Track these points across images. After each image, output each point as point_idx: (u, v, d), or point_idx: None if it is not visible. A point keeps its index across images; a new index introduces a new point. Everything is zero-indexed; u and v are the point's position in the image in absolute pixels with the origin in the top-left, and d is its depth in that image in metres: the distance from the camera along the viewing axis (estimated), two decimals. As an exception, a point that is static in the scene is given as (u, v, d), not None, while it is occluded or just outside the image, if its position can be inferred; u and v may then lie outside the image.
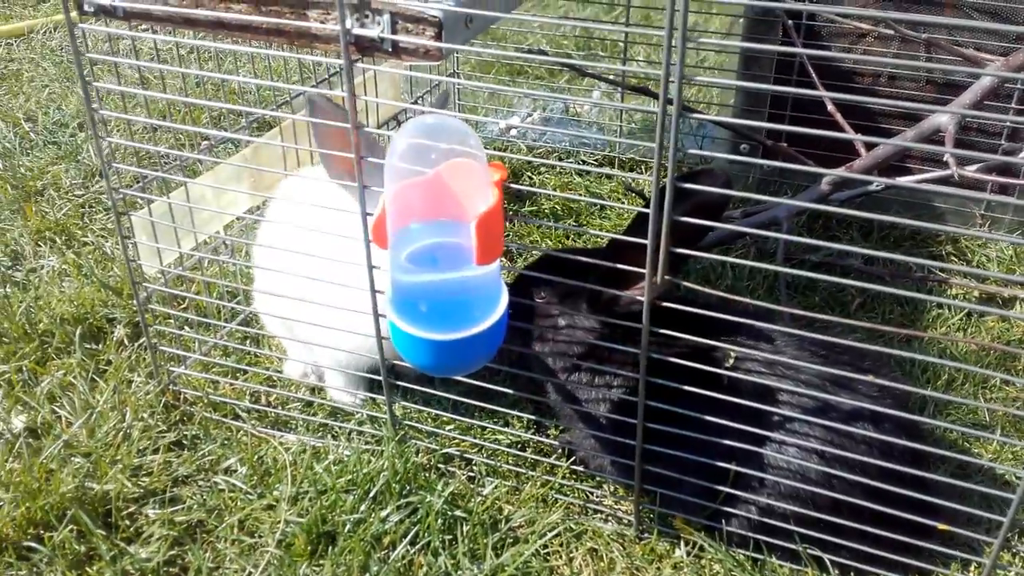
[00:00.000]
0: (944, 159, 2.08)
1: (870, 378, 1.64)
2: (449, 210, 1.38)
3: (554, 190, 2.97)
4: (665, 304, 1.47)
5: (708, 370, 1.57)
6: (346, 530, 1.70)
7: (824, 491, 1.58)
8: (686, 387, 1.54)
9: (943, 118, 2.09)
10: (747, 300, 1.43)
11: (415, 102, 3.10)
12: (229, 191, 2.11)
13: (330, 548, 1.68)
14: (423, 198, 1.38)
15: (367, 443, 1.93)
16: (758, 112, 2.79)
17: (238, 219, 2.37)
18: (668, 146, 1.32)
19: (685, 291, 1.53)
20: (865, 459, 1.56)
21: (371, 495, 1.76)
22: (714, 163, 2.75)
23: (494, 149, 3.22)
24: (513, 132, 3.30)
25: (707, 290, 1.49)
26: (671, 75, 1.25)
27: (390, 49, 1.39)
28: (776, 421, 1.62)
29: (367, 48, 1.41)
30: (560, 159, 3.20)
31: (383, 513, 1.73)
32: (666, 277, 1.43)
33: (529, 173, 3.10)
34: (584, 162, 3.17)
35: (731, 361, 1.67)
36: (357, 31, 1.39)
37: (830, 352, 1.69)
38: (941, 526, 1.51)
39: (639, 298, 1.48)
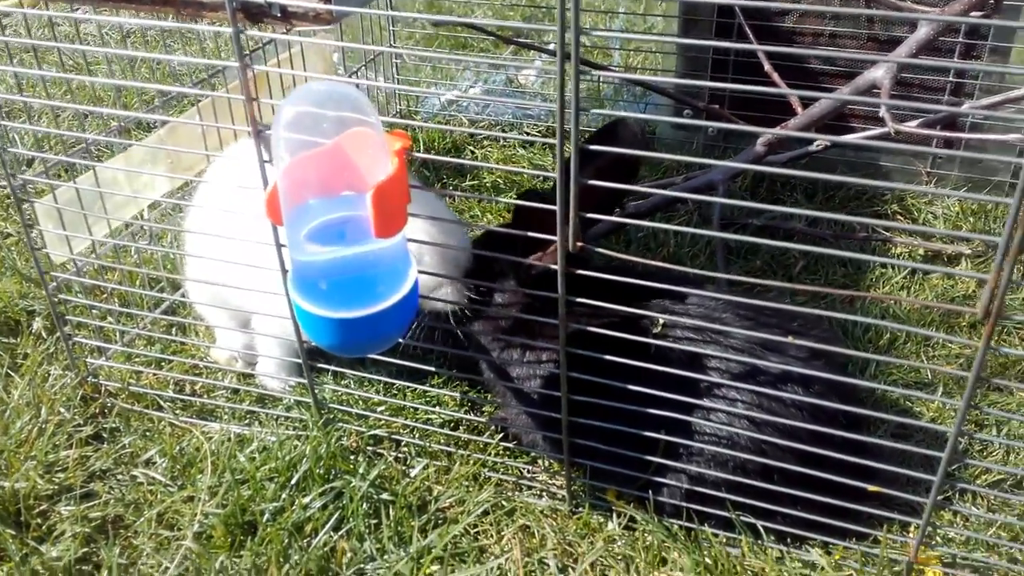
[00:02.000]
0: (880, 115, 2.03)
1: (799, 340, 1.59)
2: (352, 183, 1.31)
3: (497, 163, 2.90)
4: (582, 272, 1.41)
5: (634, 339, 1.52)
6: (265, 519, 1.63)
7: (754, 457, 1.54)
8: (610, 357, 1.49)
9: (878, 72, 2.04)
10: (682, 268, 1.38)
11: (352, 75, 3.02)
12: (144, 174, 2.03)
13: (250, 539, 1.62)
14: (322, 171, 1.31)
15: (295, 429, 1.87)
16: (699, 76, 2.73)
17: (157, 203, 2.28)
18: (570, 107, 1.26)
19: (619, 260, 1.47)
20: (795, 423, 1.52)
21: (293, 482, 1.70)
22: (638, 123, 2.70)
23: (436, 123, 3.14)
24: (455, 105, 3.22)
25: (630, 258, 1.42)
26: (567, 29, 1.19)
27: (279, 15, 1.32)
28: (704, 388, 1.57)
29: (256, 15, 1.34)
30: (503, 131, 3.13)
31: (305, 500, 1.67)
32: (579, 244, 1.37)
33: (472, 147, 3.03)
34: (528, 134, 3.11)
35: (659, 328, 1.62)
36: (242, -4, 1.32)
37: (758, 315, 1.65)
38: (872, 488, 1.47)
39: (552, 267, 1.42)
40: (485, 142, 3.04)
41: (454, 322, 1.78)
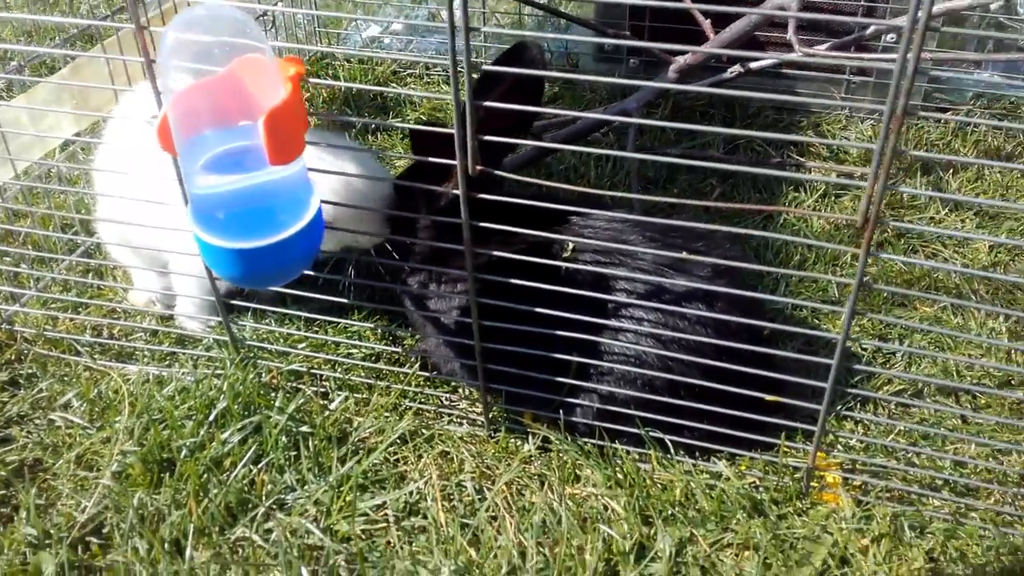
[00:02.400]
0: (788, 40, 2.05)
1: (702, 258, 1.62)
2: (248, 111, 1.30)
3: (420, 101, 2.88)
4: (484, 196, 1.42)
5: (541, 262, 1.54)
6: (183, 456, 1.64)
7: (661, 374, 1.58)
8: (517, 282, 1.51)
9: (784, -2, 2.06)
10: (591, 191, 1.40)
11: (262, 16, 2.96)
12: (48, 113, 1.98)
13: (169, 475, 1.63)
14: (215, 100, 1.29)
15: (214, 369, 1.87)
16: (617, 7, 2.73)
17: (67, 144, 2.23)
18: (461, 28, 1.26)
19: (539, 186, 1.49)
20: (699, 339, 1.56)
21: (211, 419, 1.71)
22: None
23: (358, 62, 3.10)
24: (377, 42, 3.18)
25: (536, 181, 1.44)
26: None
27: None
28: (611, 309, 1.60)
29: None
30: (427, 68, 3.10)
31: (224, 435, 1.68)
32: (479, 167, 1.38)
33: (395, 83, 3.00)
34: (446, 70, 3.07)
35: (569, 252, 1.65)
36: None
37: (665, 236, 1.68)
38: (770, 398, 1.53)
39: (454, 191, 1.43)
40: (408, 78, 3.02)
41: (375, 254, 1.79)
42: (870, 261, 2.04)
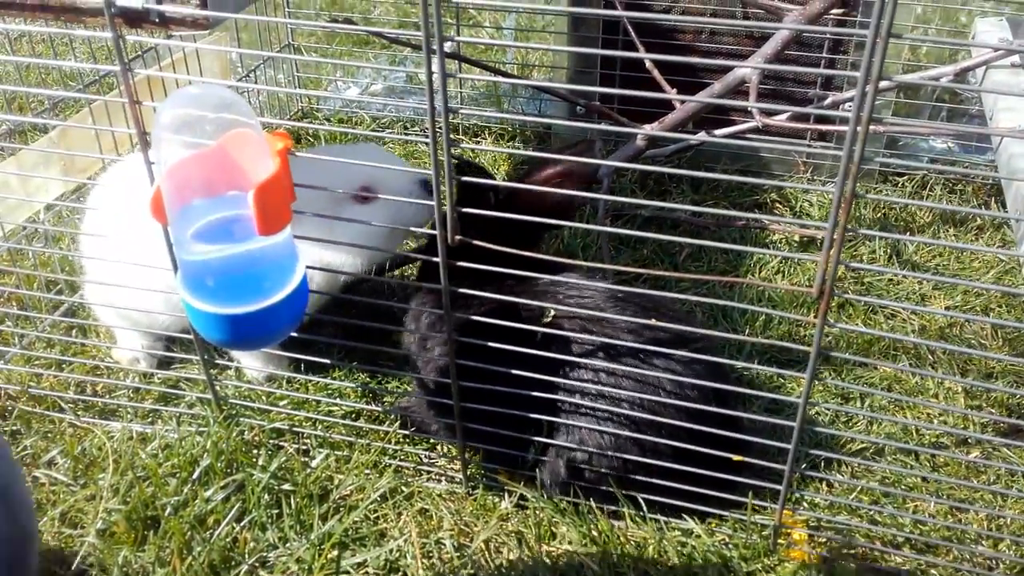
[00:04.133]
0: (749, 110, 2.16)
1: (667, 325, 1.70)
2: (236, 182, 1.37)
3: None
4: (461, 264, 1.49)
5: (517, 327, 1.61)
6: (167, 513, 1.68)
7: (632, 434, 1.64)
8: (496, 344, 1.58)
9: (746, 69, 2.17)
10: (563, 260, 1.49)
11: (250, 74, 3.04)
12: (35, 177, 2.03)
13: (153, 533, 1.66)
14: (206, 172, 1.36)
15: (197, 426, 1.91)
16: (589, 73, 2.84)
17: (52, 206, 2.28)
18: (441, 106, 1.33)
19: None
20: (668, 401, 1.63)
21: (195, 476, 1.74)
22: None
23: (338, 122, 3.18)
24: (355, 104, 3.27)
25: (509, 250, 1.51)
26: (431, 31, 1.26)
27: (157, 20, 1.36)
28: (586, 372, 1.67)
29: (135, 20, 1.38)
30: (406, 128, 3.19)
31: (207, 493, 1.71)
32: (457, 237, 1.45)
33: (375, 143, 3.08)
34: (425, 131, 3.16)
35: (550, 317, 1.71)
36: (121, 3, 1.36)
37: (636, 303, 1.75)
38: (736, 457, 1.59)
39: (434, 259, 1.50)
40: (388, 140, 3.10)
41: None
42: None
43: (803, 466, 1.81)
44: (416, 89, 3.33)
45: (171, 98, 1.31)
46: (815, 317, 1.30)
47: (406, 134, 3.10)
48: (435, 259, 1.48)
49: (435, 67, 1.28)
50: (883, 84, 2.07)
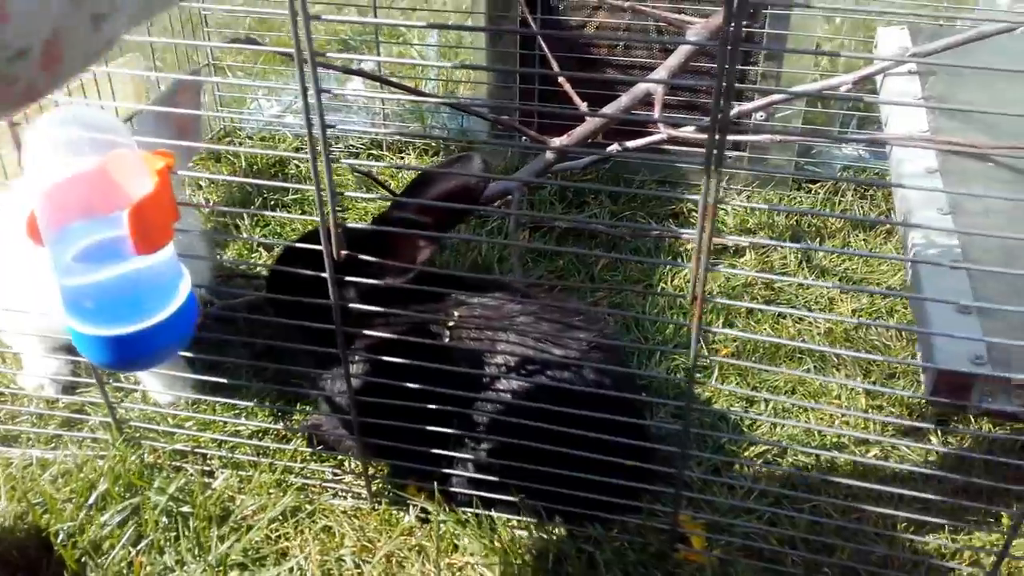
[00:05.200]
0: (655, 123, 2.20)
1: (582, 335, 1.72)
2: (116, 202, 1.36)
3: (321, 175, 2.94)
4: (348, 279, 1.50)
5: (416, 341, 1.62)
6: (60, 540, 1.65)
7: (535, 444, 1.65)
8: (390, 359, 1.58)
9: (661, 74, 2.21)
10: (470, 274, 1.51)
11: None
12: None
13: (45, 560, 1.64)
14: (85, 193, 1.35)
15: (100, 450, 1.88)
16: (509, 87, 2.87)
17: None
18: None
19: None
20: (573, 411, 1.64)
21: (91, 502, 1.72)
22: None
23: (259, 139, 3.17)
24: (284, 119, 3.26)
25: (407, 265, 1.52)
26: (302, 46, 1.27)
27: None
28: (488, 382, 1.67)
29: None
30: (329, 144, 3.17)
31: (103, 518, 1.69)
32: (343, 252, 1.45)
33: (297, 162, 3.07)
34: (352, 146, 3.17)
35: (452, 323, 1.71)
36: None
37: (542, 311, 1.76)
38: (630, 463, 1.60)
39: (322, 275, 1.50)
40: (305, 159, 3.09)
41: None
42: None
43: (702, 470, 1.84)
44: (340, 106, 3.33)
45: (46, 118, 1.30)
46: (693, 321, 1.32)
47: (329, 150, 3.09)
48: (323, 275, 1.48)
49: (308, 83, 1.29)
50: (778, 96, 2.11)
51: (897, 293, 2.33)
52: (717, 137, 1.13)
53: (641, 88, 2.19)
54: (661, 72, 2.22)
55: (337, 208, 1.43)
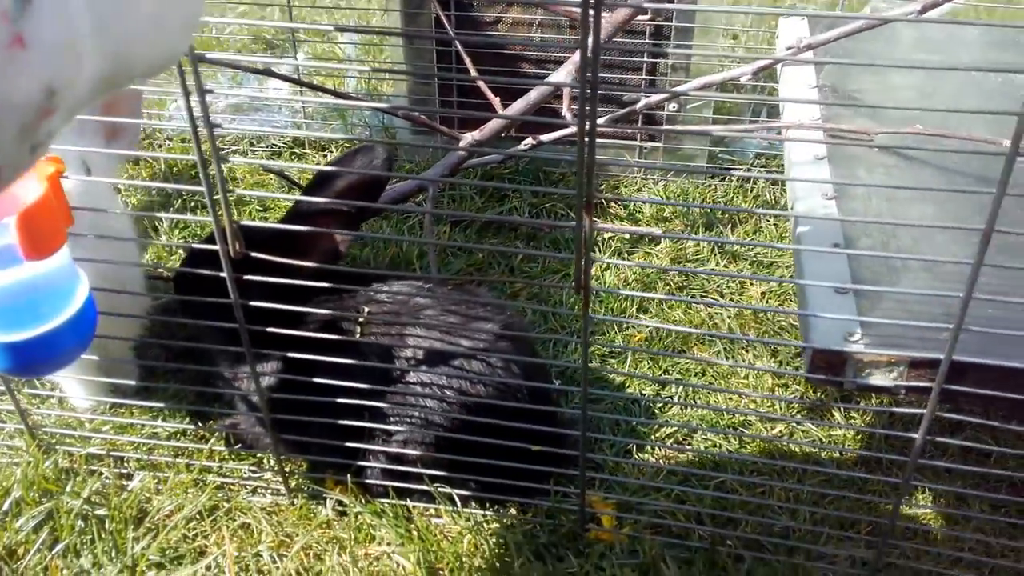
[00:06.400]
0: (562, 115, 2.25)
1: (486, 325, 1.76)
2: (6, 210, 1.36)
3: (244, 175, 2.95)
4: (248, 277, 1.52)
5: (330, 337, 1.65)
6: (-29, 547, 1.65)
7: (446, 433, 1.69)
8: (294, 355, 1.61)
9: (561, 75, 2.25)
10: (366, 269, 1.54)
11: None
12: None
13: (-43, 568, 1.64)
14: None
15: (14, 457, 1.88)
16: (428, 84, 2.89)
17: None
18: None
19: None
20: (479, 400, 1.68)
21: (5, 508, 1.72)
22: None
23: (179, 140, 3.15)
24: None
25: (288, 261, 1.54)
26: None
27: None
28: (397, 374, 1.71)
29: None
30: (252, 144, 3.18)
31: (17, 524, 1.69)
32: (239, 248, 1.48)
33: (224, 162, 3.06)
34: (275, 146, 3.17)
35: (364, 317, 1.74)
36: None
37: (448, 302, 1.80)
38: (535, 448, 1.65)
39: (220, 273, 1.52)
40: (234, 154, 3.09)
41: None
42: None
43: (613, 452, 1.90)
44: (262, 106, 3.33)
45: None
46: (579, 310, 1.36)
47: (252, 149, 3.10)
48: (221, 274, 1.50)
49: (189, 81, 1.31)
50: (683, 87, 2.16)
51: (776, 279, 2.40)
52: (587, 147, 1.17)
53: (552, 81, 2.24)
54: (568, 67, 2.26)
55: (254, 209, 1.45)
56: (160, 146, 3.11)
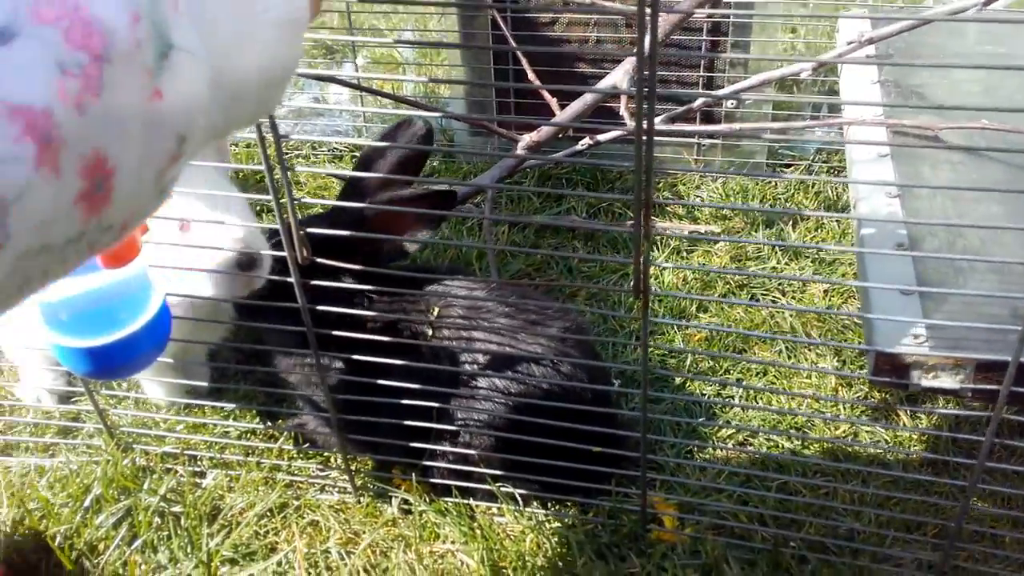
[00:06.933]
0: (619, 114, 2.25)
1: (550, 329, 1.79)
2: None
3: (304, 180, 3.01)
4: (315, 283, 1.56)
5: (387, 340, 1.68)
6: (57, 543, 1.72)
7: (507, 434, 1.72)
8: (359, 357, 1.65)
9: (617, 76, 2.25)
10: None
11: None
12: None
13: (43, 562, 1.71)
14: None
15: (95, 456, 1.95)
16: (485, 88, 2.92)
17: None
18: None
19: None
20: (546, 403, 1.70)
21: (87, 505, 1.80)
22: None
23: (245, 145, 3.23)
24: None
25: (367, 268, 1.58)
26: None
27: None
28: (465, 376, 1.74)
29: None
30: (313, 148, 3.24)
31: (97, 520, 1.77)
32: (307, 254, 1.52)
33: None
34: (337, 150, 3.22)
35: (435, 313, 1.77)
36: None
37: (516, 308, 1.82)
38: (596, 449, 1.67)
39: (288, 279, 1.56)
40: (298, 159, 3.15)
41: None
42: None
43: (673, 453, 1.90)
44: (323, 111, 3.39)
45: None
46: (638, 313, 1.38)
47: (315, 153, 3.17)
48: (289, 279, 1.55)
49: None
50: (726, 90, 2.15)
51: (839, 281, 2.38)
52: (644, 148, 1.18)
53: (607, 82, 2.25)
54: (625, 66, 2.26)
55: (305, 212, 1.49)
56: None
